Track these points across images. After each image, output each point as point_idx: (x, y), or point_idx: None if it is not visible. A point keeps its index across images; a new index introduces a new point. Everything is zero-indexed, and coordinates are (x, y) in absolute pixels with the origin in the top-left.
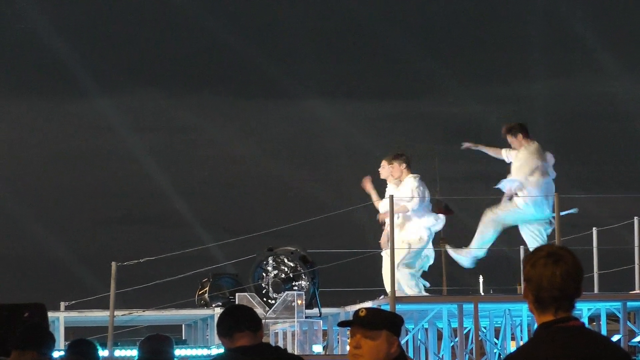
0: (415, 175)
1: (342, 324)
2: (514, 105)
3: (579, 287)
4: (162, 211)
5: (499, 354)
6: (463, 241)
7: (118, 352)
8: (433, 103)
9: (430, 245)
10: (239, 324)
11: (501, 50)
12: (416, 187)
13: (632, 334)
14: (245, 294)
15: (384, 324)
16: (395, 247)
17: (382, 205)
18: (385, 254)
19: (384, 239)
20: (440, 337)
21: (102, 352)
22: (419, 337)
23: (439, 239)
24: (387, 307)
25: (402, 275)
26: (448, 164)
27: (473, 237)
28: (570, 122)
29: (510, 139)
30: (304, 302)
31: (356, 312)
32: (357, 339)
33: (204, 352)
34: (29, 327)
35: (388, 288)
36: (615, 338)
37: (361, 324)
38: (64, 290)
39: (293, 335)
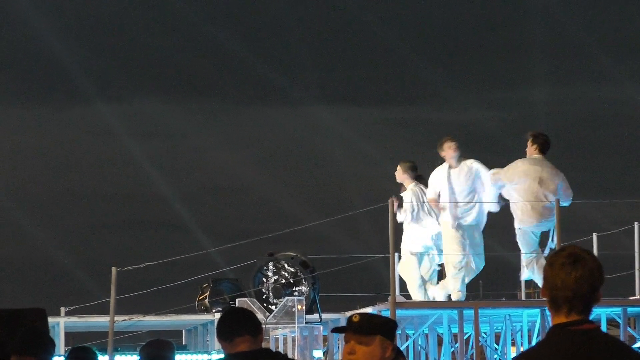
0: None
1: (335, 330)
2: (515, 110)
3: (595, 291)
4: (162, 216)
5: None
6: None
7: (118, 358)
8: (434, 109)
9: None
10: (239, 328)
11: (502, 56)
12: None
13: (632, 340)
14: (246, 299)
15: (378, 329)
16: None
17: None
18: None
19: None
20: (440, 342)
21: (102, 358)
22: (420, 343)
23: None
24: (387, 313)
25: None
26: None
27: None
28: (571, 127)
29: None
30: (304, 307)
31: (349, 318)
32: (351, 345)
33: (204, 357)
34: (29, 332)
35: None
36: None
37: (354, 329)
38: (64, 296)
39: (293, 340)
